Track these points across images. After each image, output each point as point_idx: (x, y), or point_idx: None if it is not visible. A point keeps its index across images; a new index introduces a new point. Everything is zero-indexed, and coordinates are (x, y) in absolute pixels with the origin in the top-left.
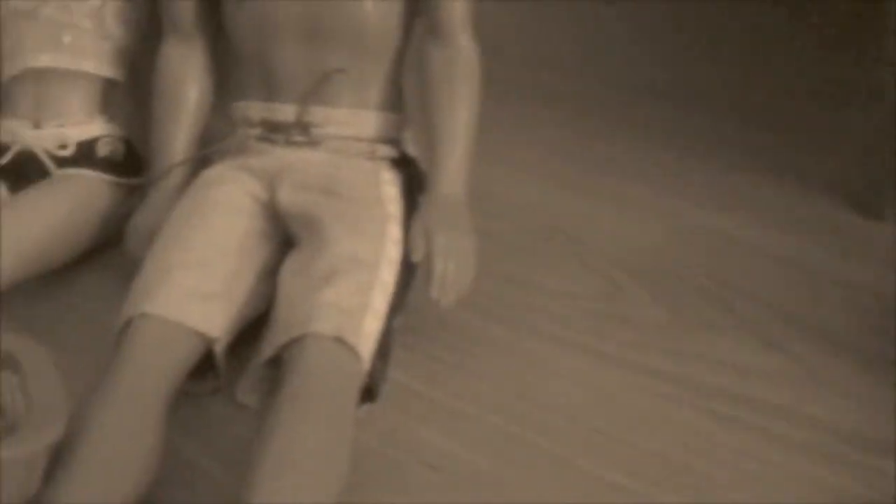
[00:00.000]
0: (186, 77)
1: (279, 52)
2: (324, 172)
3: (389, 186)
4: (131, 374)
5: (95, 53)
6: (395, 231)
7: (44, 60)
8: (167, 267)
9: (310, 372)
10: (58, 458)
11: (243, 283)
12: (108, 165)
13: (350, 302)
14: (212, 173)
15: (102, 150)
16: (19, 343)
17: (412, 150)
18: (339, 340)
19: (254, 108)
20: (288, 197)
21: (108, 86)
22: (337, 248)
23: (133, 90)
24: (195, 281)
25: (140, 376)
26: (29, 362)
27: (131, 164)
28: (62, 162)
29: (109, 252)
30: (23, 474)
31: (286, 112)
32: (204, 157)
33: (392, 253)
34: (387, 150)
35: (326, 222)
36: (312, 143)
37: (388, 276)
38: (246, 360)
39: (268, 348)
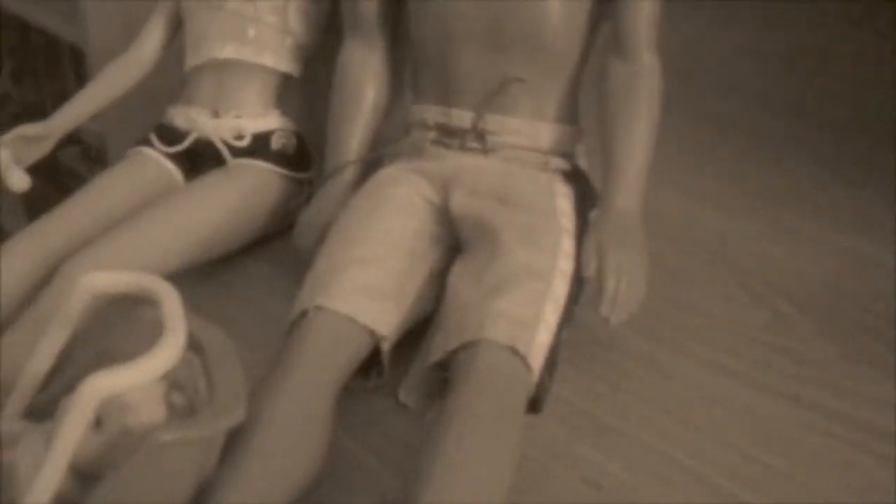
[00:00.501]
0: (365, 78)
1: (459, 58)
2: (498, 180)
3: (563, 199)
4: (305, 365)
5: (276, 48)
6: (568, 244)
7: (228, 52)
8: (342, 262)
9: (482, 379)
10: (232, 442)
11: (413, 284)
12: (281, 158)
13: (523, 312)
14: (386, 174)
15: (276, 143)
16: (203, 326)
17: (583, 163)
18: (512, 350)
19: (431, 112)
20: (461, 202)
21: (284, 81)
22: (511, 258)
23: (306, 86)
24: (369, 278)
25: (314, 369)
26: (212, 346)
27: (302, 158)
28: (237, 152)
29: (274, 243)
30: (202, 455)
31: (463, 118)
32: (377, 157)
33: (565, 266)
34: (560, 163)
35: (501, 230)
36: (487, 150)
37: (560, 289)
38: (405, 360)
39: (437, 351)
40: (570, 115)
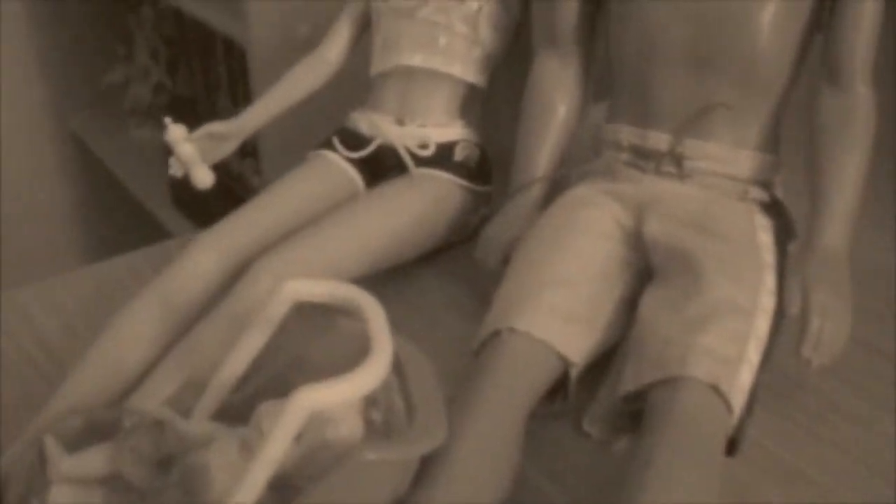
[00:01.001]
0: (557, 93)
1: (660, 78)
2: (697, 208)
3: (764, 232)
4: (498, 388)
5: (465, 58)
6: (770, 280)
7: (417, 60)
8: (536, 284)
9: (684, 418)
10: (426, 462)
11: (604, 309)
12: (463, 170)
13: (727, 350)
14: (578, 194)
15: (460, 154)
16: (402, 345)
17: (781, 194)
18: (715, 389)
19: (625, 132)
20: (657, 228)
21: (469, 91)
22: (715, 292)
23: (489, 97)
24: (562, 301)
25: (506, 392)
26: (411, 365)
27: (483, 171)
28: (421, 161)
29: (451, 256)
30: (399, 476)
31: (660, 140)
32: (565, 176)
33: (767, 304)
34: (759, 193)
35: (701, 261)
36: (683, 175)
37: (763, 327)
38: (589, 387)
39: (630, 382)
40: (772, 143)
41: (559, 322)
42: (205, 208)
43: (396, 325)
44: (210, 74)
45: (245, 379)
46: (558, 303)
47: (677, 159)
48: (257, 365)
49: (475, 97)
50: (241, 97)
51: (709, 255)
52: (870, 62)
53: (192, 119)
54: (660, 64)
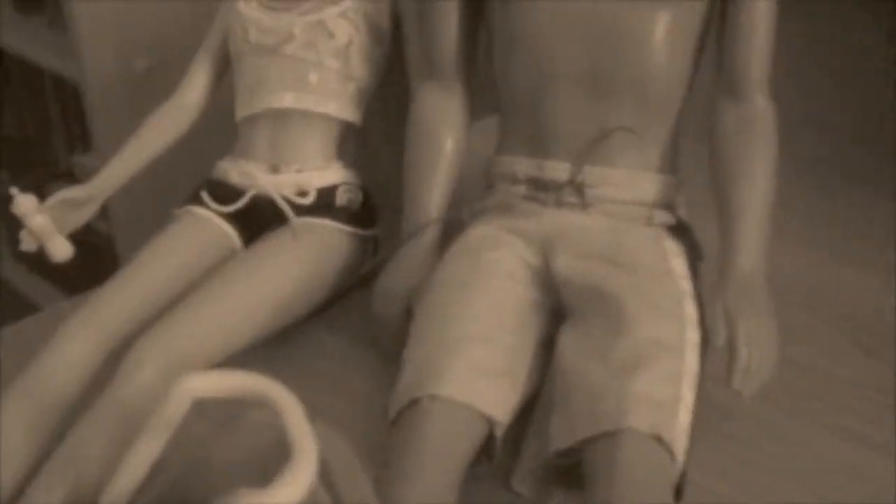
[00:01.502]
0: (443, 126)
1: (555, 103)
2: (605, 240)
3: (676, 258)
4: (428, 460)
5: (339, 95)
6: (691, 310)
7: (287, 100)
8: (450, 342)
9: (631, 475)
10: None
11: (524, 360)
12: (347, 215)
13: (662, 393)
14: (478, 234)
15: (342, 198)
16: (319, 433)
17: (684, 214)
18: (657, 438)
19: (520, 164)
20: (567, 265)
21: (345, 129)
22: (639, 331)
23: (364, 134)
24: (481, 358)
25: (437, 463)
26: (333, 454)
27: (368, 214)
28: (301, 210)
29: (339, 309)
30: None
31: (558, 170)
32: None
33: (692, 336)
34: (664, 216)
35: (618, 297)
36: (585, 205)
37: (692, 362)
38: (512, 442)
39: (563, 439)
40: (672, 163)
41: (481, 381)
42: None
43: (294, 396)
44: (41, 113)
45: (141, 490)
46: (477, 360)
47: (578, 188)
48: (154, 471)
49: (351, 135)
50: (76, 135)
51: (624, 289)
52: (767, 72)
53: (26, 162)
54: (553, 89)
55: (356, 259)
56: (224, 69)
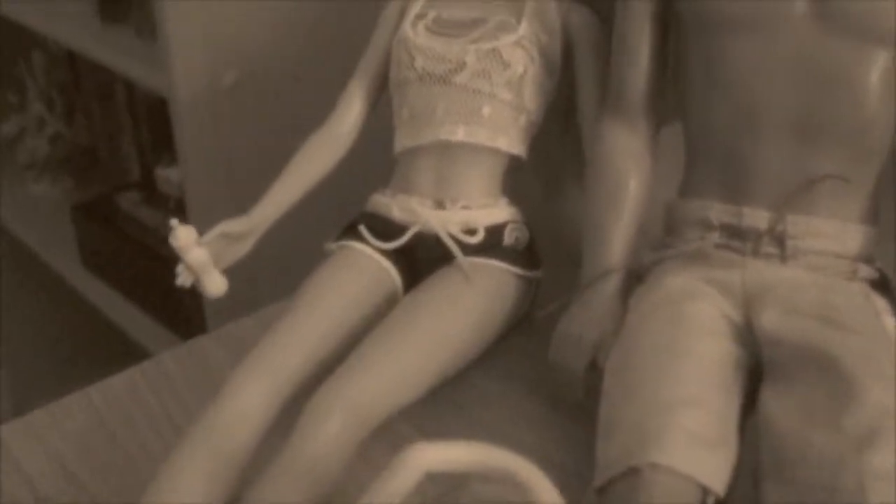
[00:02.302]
0: (628, 167)
1: (758, 149)
2: (814, 297)
3: (888, 317)
4: None
5: (510, 129)
6: None
7: (460, 134)
8: (663, 405)
9: None
10: None
11: (733, 424)
12: (515, 256)
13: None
14: (676, 286)
15: (509, 237)
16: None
17: (881, 266)
18: None
19: (714, 210)
20: (775, 322)
21: (512, 164)
22: (868, 398)
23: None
24: (697, 425)
25: None
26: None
27: (533, 254)
28: (469, 249)
29: (503, 354)
30: None
31: (757, 218)
32: (650, 263)
33: None
34: (868, 270)
35: (840, 360)
36: (786, 256)
37: None
38: None
39: None
40: (875, 213)
41: (701, 451)
42: (119, 268)
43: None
44: (111, 121)
45: None
46: (693, 427)
47: (779, 238)
48: None
49: (516, 170)
50: (146, 143)
51: (843, 351)
52: None
53: (95, 170)
54: (759, 134)
55: (523, 302)
56: (379, 97)
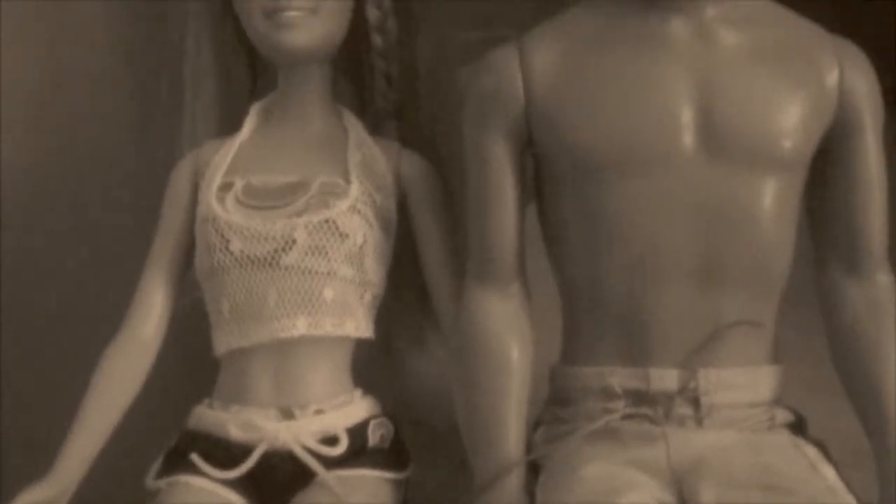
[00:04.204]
0: (506, 339)
1: (658, 299)
2: (747, 461)
3: (823, 465)
4: None
5: (356, 309)
6: None
7: (300, 327)
8: None
9: None
10: None
11: None
12: (383, 457)
13: None
14: (593, 475)
15: (374, 436)
16: None
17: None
18: None
19: (616, 376)
20: (715, 499)
21: (358, 348)
22: None
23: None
24: None
25: None
26: None
27: (401, 451)
28: (331, 461)
29: None
30: None
31: (666, 379)
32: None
33: None
34: (784, 415)
35: None
36: (700, 417)
37: None
38: None
39: None
40: (777, 349)
41: None
42: None
43: None
44: None
45: None
46: None
47: (692, 397)
48: None
49: (362, 353)
50: None
51: None
52: (885, 249)
53: None
54: (659, 283)
55: None
56: (180, 282)
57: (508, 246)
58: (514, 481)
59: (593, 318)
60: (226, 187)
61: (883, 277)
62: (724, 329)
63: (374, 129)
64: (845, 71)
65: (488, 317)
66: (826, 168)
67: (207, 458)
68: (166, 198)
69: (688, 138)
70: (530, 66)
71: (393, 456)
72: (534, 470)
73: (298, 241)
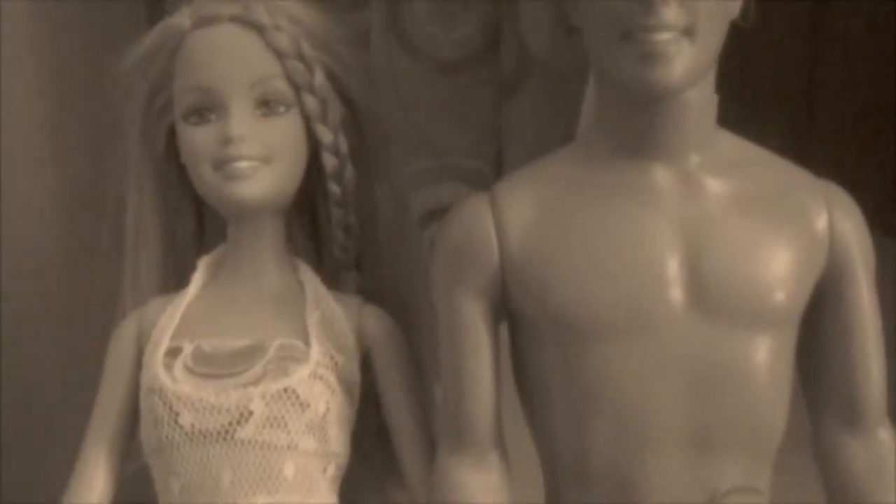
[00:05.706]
0: None
1: (650, 466)
2: None
3: None
4: None
5: (319, 484)
6: None
7: None
8: None
9: None
10: None
11: None
12: None
13: None
14: None
15: None
16: None
17: None
18: None
19: None
20: None
21: None
22: None
23: None
24: None
25: None
26: None
27: None
28: None
29: None
30: None
31: None
32: None
33: None
34: None
35: None
36: None
37: None
38: None
39: None
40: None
41: None
42: None
43: None
44: None
45: None
46: None
47: None
48: None
49: None
50: None
51: None
52: (884, 403)
53: None
54: (651, 449)
55: None
56: (125, 448)
57: (485, 414)
58: None
59: (578, 486)
60: (173, 352)
61: (884, 433)
62: (720, 499)
63: (333, 282)
64: (834, 214)
65: (466, 493)
66: (819, 319)
67: None
68: (107, 363)
69: (676, 296)
70: (504, 220)
71: None
72: None
73: (255, 412)
